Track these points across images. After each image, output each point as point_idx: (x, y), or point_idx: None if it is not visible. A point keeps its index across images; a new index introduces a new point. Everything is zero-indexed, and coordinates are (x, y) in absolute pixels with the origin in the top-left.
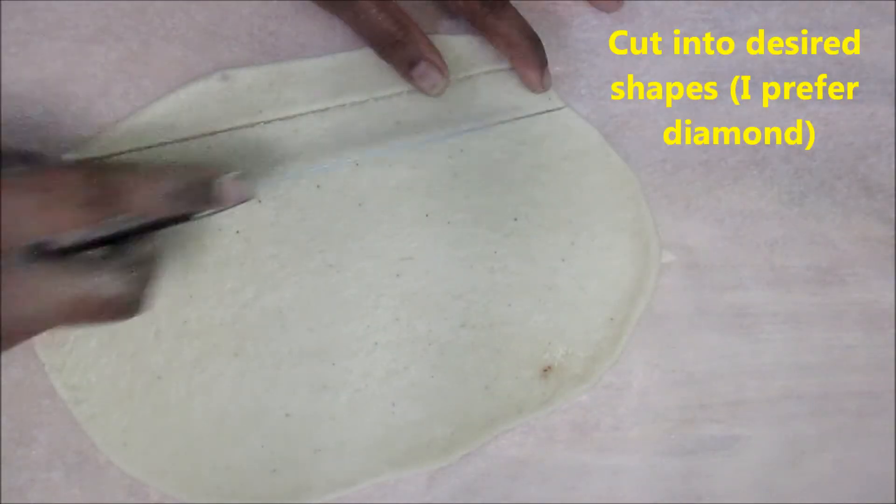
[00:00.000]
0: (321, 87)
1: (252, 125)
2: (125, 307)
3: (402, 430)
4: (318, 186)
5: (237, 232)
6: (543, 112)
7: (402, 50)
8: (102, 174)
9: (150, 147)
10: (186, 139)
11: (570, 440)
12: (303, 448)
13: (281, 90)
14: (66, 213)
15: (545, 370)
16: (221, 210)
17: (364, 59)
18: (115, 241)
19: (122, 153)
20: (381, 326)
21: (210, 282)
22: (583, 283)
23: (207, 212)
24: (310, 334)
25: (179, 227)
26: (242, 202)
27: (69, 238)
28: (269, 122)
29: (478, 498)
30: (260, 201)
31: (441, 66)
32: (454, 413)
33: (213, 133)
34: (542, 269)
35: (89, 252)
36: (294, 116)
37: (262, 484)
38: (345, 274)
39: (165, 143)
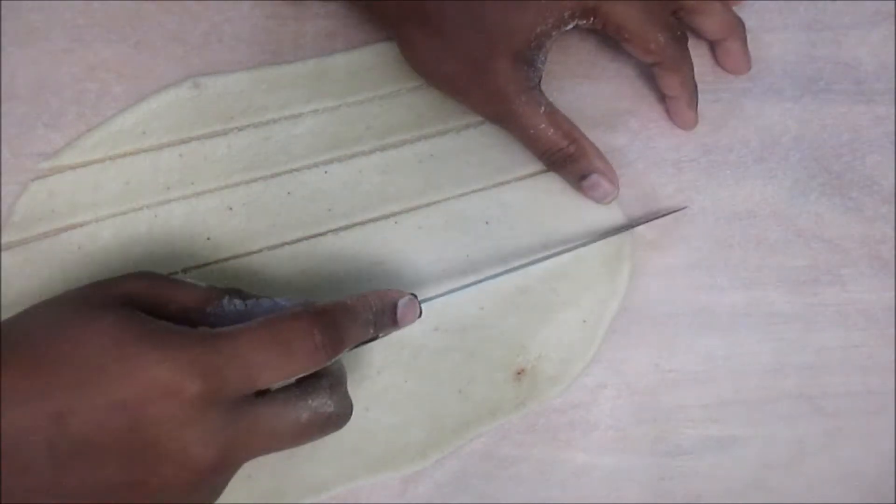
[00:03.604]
0: (293, 94)
1: (224, 132)
2: (343, 418)
3: (375, 435)
4: (288, 193)
5: (207, 239)
6: (627, 229)
7: (573, 164)
8: (325, 316)
9: (124, 155)
10: (158, 147)
11: (564, 440)
12: (277, 453)
13: (252, 97)
14: (303, 362)
15: (519, 373)
16: (399, 329)
17: (334, 65)
18: None
19: (96, 161)
20: None
21: None
22: (555, 285)
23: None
24: None
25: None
26: (416, 320)
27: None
28: (241, 128)
29: (453, 500)
30: (231, 208)
31: (611, 176)
32: (428, 417)
33: (186, 141)
34: (514, 272)
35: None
36: (267, 123)
37: (236, 489)
38: (316, 279)
39: (138, 152)
